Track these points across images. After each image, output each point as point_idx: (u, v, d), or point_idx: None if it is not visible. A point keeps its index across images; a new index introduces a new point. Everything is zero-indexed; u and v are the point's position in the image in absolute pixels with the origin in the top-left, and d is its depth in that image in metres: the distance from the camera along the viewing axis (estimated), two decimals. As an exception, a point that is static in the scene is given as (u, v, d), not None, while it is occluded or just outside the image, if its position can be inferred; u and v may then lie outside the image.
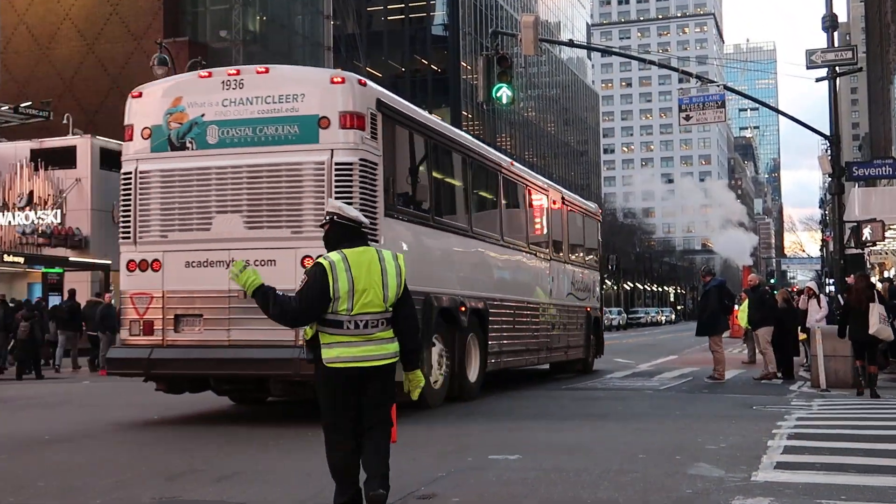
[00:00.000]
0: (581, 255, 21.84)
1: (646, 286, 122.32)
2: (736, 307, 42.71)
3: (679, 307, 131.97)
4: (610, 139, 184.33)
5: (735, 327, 43.95)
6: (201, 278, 11.27)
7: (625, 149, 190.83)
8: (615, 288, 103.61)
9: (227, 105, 11.46)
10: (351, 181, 10.91)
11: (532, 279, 17.97)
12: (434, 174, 13.56)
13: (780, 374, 19.86)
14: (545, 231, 18.94)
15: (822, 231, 77.43)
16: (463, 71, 79.84)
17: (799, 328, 20.95)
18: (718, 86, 24.87)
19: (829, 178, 25.12)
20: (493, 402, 14.75)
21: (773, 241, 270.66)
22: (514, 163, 17.61)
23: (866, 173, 25.35)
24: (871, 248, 35.15)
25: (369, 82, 11.64)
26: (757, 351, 23.05)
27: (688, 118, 24.30)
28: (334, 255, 5.89)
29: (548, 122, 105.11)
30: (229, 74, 11.59)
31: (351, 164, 10.93)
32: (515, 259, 17.08)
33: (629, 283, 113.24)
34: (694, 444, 9.58)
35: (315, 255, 10.13)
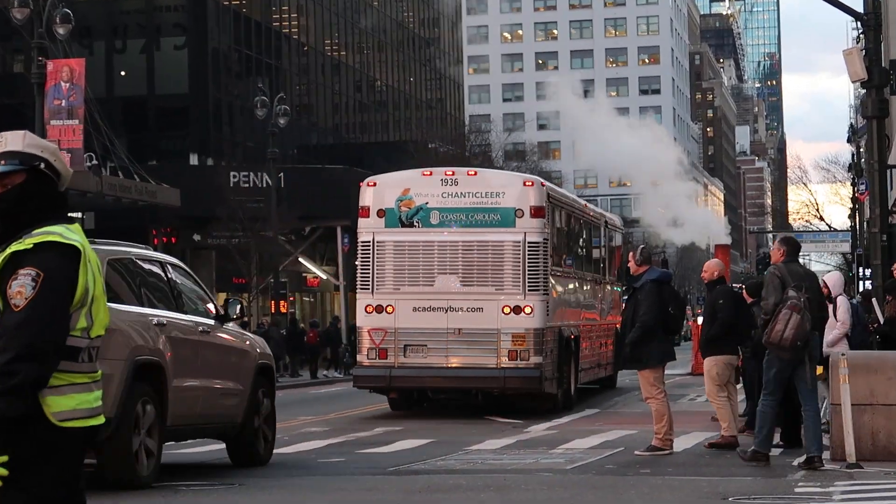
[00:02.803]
0: (614, 272, 40.04)
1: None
2: (698, 320, 43.69)
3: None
4: (480, 17, 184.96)
5: (698, 357, 45.14)
6: (425, 319, 27.45)
7: (506, 35, 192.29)
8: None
9: (445, 197, 27.77)
10: (538, 254, 27.54)
11: (596, 303, 36.78)
12: (562, 233, 31.35)
13: (780, 441, 20.39)
14: (600, 257, 38.05)
15: (853, 184, 79.47)
16: None
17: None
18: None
19: (864, 90, 25.87)
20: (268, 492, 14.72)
21: (768, 199, 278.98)
22: (588, 203, 38.62)
23: (926, 80, 26.24)
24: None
25: (546, 182, 30.42)
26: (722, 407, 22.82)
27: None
28: (72, 234, 5.77)
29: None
30: (446, 174, 28.63)
31: (538, 242, 27.65)
32: (590, 287, 35.76)
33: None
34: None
35: (512, 305, 27.63)
